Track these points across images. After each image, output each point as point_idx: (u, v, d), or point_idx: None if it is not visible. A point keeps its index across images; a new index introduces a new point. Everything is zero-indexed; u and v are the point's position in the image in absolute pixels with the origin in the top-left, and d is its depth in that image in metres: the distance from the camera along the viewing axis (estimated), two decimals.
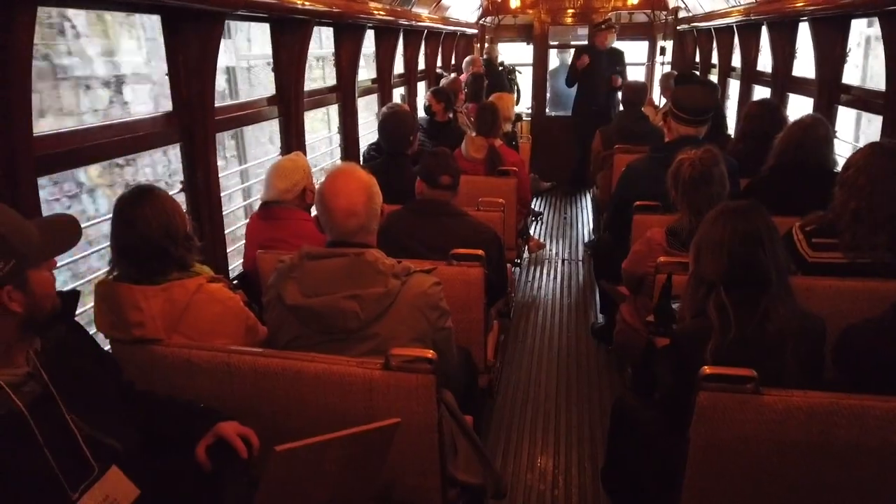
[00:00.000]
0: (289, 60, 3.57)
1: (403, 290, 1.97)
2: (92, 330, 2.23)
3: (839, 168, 2.70)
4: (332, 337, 1.97)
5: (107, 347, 2.05)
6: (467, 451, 2.29)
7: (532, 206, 7.40)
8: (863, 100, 3.81)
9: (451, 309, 2.86)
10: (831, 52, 4.04)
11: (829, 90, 4.09)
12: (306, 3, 3.37)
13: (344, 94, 4.64)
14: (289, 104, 3.63)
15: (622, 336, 3.16)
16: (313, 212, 2.81)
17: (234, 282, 3.12)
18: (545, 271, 5.87)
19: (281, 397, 1.98)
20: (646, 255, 2.79)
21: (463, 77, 7.12)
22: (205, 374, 1.99)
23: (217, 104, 2.91)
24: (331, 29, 4.48)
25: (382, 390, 1.90)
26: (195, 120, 2.74)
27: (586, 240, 6.61)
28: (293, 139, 3.70)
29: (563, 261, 6.16)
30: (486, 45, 9.07)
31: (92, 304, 2.07)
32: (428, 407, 1.91)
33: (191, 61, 2.67)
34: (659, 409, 2.26)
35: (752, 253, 1.92)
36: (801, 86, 4.67)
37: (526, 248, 5.89)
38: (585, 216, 7.45)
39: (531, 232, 6.69)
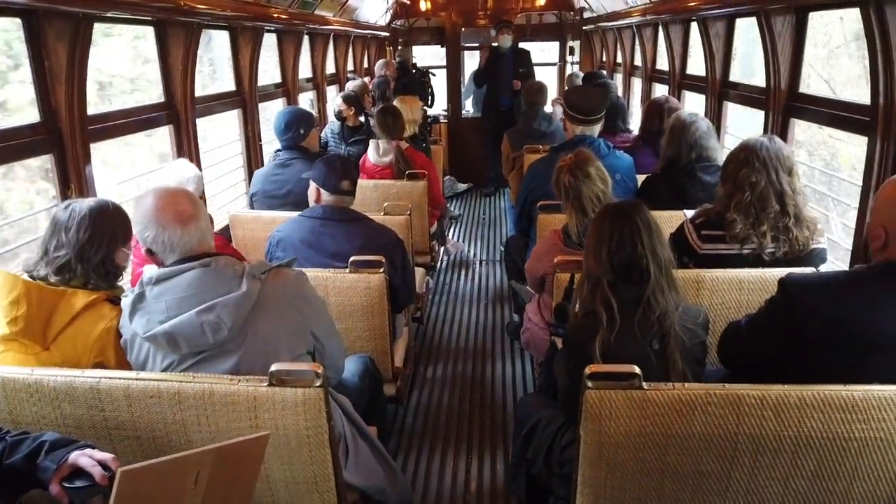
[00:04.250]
0: (177, 65, 3.40)
1: (265, 287, 1.90)
2: None
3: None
4: (204, 354, 1.88)
5: None
6: (368, 457, 2.24)
7: (449, 209, 7.42)
8: (747, 96, 3.99)
9: (353, 317, 2.84)
10: (719, 51, 4.22)
11: (719, 87, 4.26)
12: (197, 5, 3.22)
13: (243, 99, 4.48)
14: (178, 111, 3.46)
15: (528, 335, 3.18)
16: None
17: None
18: (463, 273, 5.87)
19: (159, 421, 1.86)
20: (545, 254, 2.82)
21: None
22: (72, 402, 1.85)
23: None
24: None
25: (268, 407, 1.82)
26: (66, 130, 2.56)
27: (504, 240, 6.66)
28: (185, 147, 3.53)
29: (480, 262, 6.18)
30: (400, 47, 9.03)
31: None
32: (317, 422, 1.84)
33: (57, 67, 2.49)
34: (559, 408, 2.28)
35: (631, 249, 1.96)
36: (695, 83, 4.85)
37: (443, 250, 5.88)
38: (503, 216, 7.51)
39: (449, 235, 6.69)
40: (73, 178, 2.62)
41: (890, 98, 2.58)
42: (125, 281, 3.07)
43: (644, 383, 1.74)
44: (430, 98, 8.12)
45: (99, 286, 2.04)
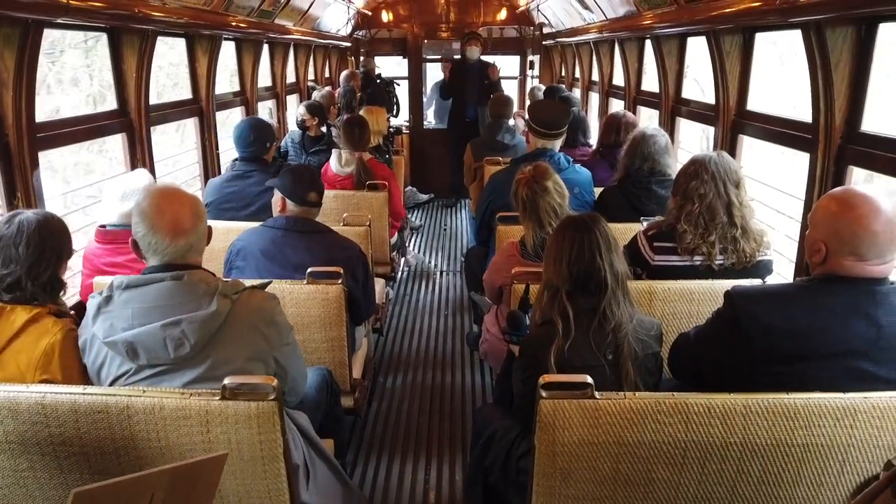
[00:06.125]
0: (130, 72, 3.34)
1: (235, 307, 1.88)
2: None
3: None
4: (162, 368, 1.84)
5: None
6: (326, 475, 2.22)
7: (411, 219, 7.43)
8: (698, 112, 4.12)
9: (311, 329, 2.81)
10: (672, 69, 4.34)
11: (671, 103, 4.39)
12: (152, 12, 3.16)
13: (200, 108, 4.42)
14: (132, 119, 3.40)
15: (487, 346, 3.20)
16: None
17: (73, 312, 2.87)
18: (424, 284, 5.88)
19: (107, 437, 1.81)
20: (502, 265, 2.85)
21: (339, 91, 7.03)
22: (15, 418, 1.79)
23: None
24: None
25: (220, 421, 1.79)
26: (13, 138, 2.49)
27: (465, 250, 6.69)
28: (138, 156, 3.47)
29: (441, 272, 6.20)
30: (363, 58, 9.03)
31: None
32: (271, 436, 1.82)
33: (4, 73, 2.43)
34: (515, 417, 2.30)
35: (590, 261, 2.01)
36: (650, 99, 4.98)
37: (403, 261, 5.88)
38: (464, 227, 7.56)
39: (410, 246, 6.70)
40: (19, 188, 2.54)
41: (829, 116, 2.70)
42: (70, 295, 3.00)
43: (596, 393, 1.77)
44: (395, 108, 8.13)
45: (45, 302, 2.01)
